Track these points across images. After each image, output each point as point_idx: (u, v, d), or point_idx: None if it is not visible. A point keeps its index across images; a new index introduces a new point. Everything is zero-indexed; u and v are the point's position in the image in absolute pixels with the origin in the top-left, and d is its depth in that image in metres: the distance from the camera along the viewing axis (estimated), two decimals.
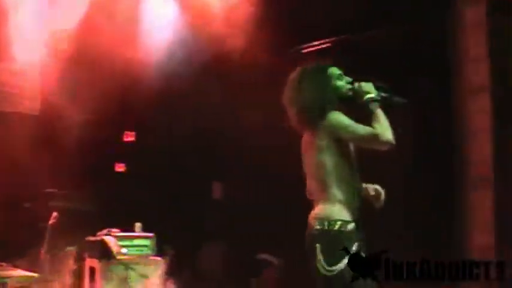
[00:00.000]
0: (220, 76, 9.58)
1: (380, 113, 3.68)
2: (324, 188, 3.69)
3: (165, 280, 7.42)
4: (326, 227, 3.54)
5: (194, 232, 10.31)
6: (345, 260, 3.40)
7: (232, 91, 9.90)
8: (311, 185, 3.81)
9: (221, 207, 11.04)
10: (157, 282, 7.27)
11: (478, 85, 7.67)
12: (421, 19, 8.83)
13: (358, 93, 3.75)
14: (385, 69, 9.46)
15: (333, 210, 3.59)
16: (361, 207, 3.67)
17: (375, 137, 3.57)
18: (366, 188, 3.89)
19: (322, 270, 3.44)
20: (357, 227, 3.56)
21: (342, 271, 3.40)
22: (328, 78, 3.83)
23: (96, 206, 8.27)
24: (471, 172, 7.74)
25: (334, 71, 3.88)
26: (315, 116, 3.71)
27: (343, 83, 3.85)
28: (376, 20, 9.30)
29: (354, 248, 3.43)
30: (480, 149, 7.67)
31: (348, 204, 3.58)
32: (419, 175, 9.41)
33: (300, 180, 10.72)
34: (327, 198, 3.65)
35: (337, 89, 3.80)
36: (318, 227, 3.58)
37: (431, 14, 8.59)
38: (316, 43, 9.84)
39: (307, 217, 10.79)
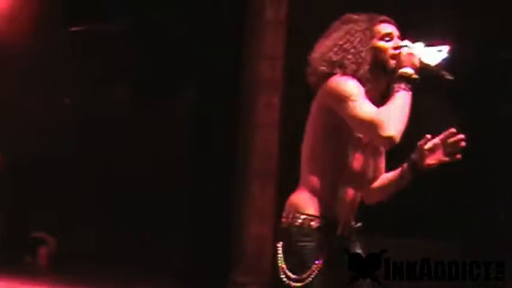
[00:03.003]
0: None
1: (399, 99, 2.67)
2: (304, 166, 2.86)
3: None
4: (289, 220, 2.79)
5: None
6: (314, 269, 2.70)
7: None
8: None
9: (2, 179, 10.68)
10: None
11: (269, 81, 7.93)
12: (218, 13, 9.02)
13: (398, 64, 2.75)
14: (174, 59, 9.70)
15: (301, 200, 2.82)
16: (358, 206, 2.92)
17: (374, 126, 2.60)
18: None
19: (283, 277, 2.72)
20: (333, 227, 2.78)
21: (310, 285, 2.70)
22: (369, 32, 2.82)
23: None
24: (255, 164, 7.96)
25: (382, 28, 2.84)
26: (320, 71, 2.80)
27: (387, 45, 2.82)
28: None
29: (312, 251, 2.71)
30: (266, 142, 7.93)
31: (326, 197, 2.78)
32: (202, 167, 9.61)
33: (94, 155, 10.56)
34: (303, 182, 2.84)
35: (376, 50, 2.79)
36: (283, 219, 2.83)
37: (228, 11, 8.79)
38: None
39: (95, 194, 10.68)
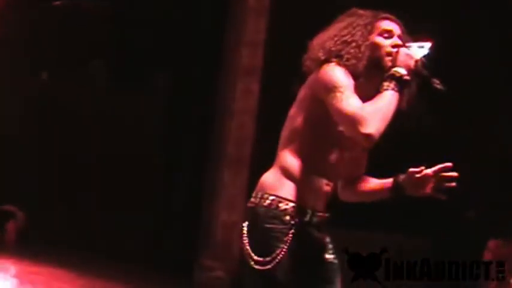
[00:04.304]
0: None
1: (386, 98, 2.60)
2: (281, 146, 2.79)
3: None
4: (257, 200, 2.70)
5: None
6: (279, 253, 2.62)
7: None
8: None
9: None
10: None
11: (249, 68, 7.92)
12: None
13: (393, 62, 2.69)
14: (152, 44, 9.62)
15: (272, 181, 2.74)
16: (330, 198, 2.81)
17: (355, 121, 2.53)
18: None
19: (248, 261, 2.64)
20: (301, 212, 2.68)
21: (273, 270, 2.62)
22: (370, 27, 2.76)
23: None
24: (230, 151, 7.96)
25: (383, 25, 2.79)
26: (316, 57, 2.73)
27: (385, 42, 2.76)
28: None
29: (278, 234, 2.63)
30: (242, 128, 7.93)
31: (297, 181, 2.69)
32: (176, 153, 9.58)
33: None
34: (277, 162, 2.77)
35: (373, 45, 2.73)
36: (252, 199, 2.73)
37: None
38: None
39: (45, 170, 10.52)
